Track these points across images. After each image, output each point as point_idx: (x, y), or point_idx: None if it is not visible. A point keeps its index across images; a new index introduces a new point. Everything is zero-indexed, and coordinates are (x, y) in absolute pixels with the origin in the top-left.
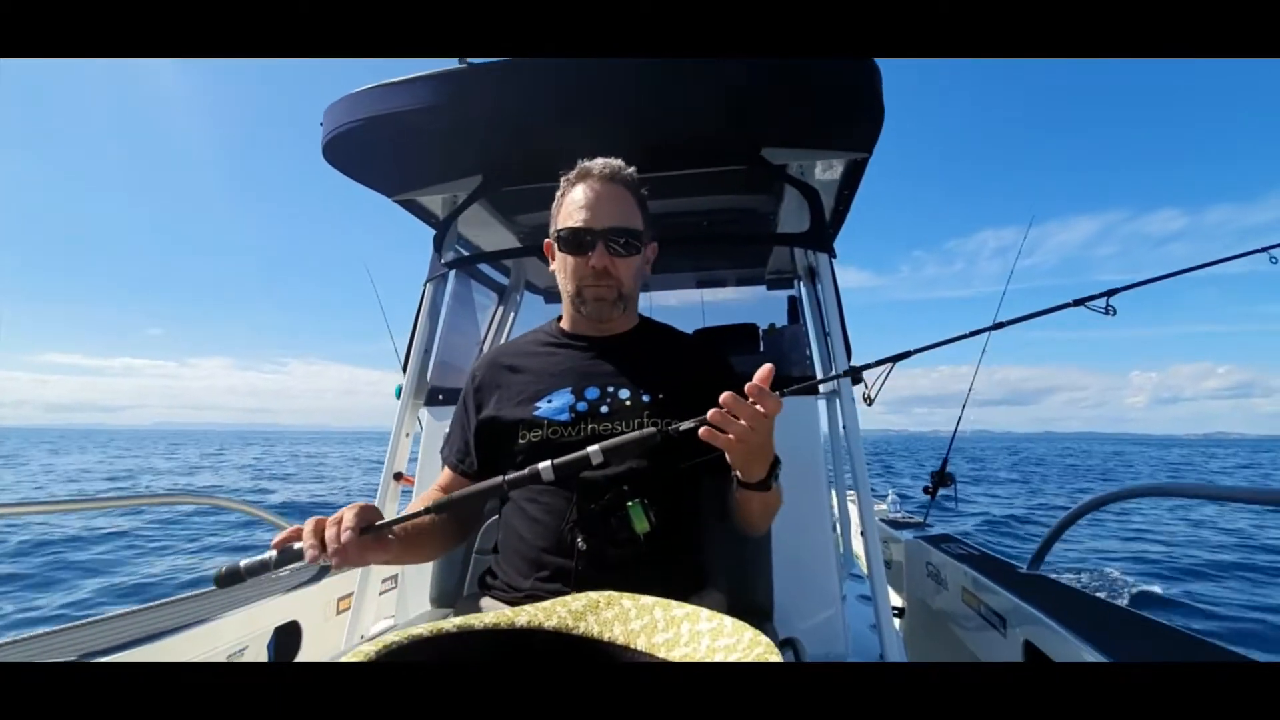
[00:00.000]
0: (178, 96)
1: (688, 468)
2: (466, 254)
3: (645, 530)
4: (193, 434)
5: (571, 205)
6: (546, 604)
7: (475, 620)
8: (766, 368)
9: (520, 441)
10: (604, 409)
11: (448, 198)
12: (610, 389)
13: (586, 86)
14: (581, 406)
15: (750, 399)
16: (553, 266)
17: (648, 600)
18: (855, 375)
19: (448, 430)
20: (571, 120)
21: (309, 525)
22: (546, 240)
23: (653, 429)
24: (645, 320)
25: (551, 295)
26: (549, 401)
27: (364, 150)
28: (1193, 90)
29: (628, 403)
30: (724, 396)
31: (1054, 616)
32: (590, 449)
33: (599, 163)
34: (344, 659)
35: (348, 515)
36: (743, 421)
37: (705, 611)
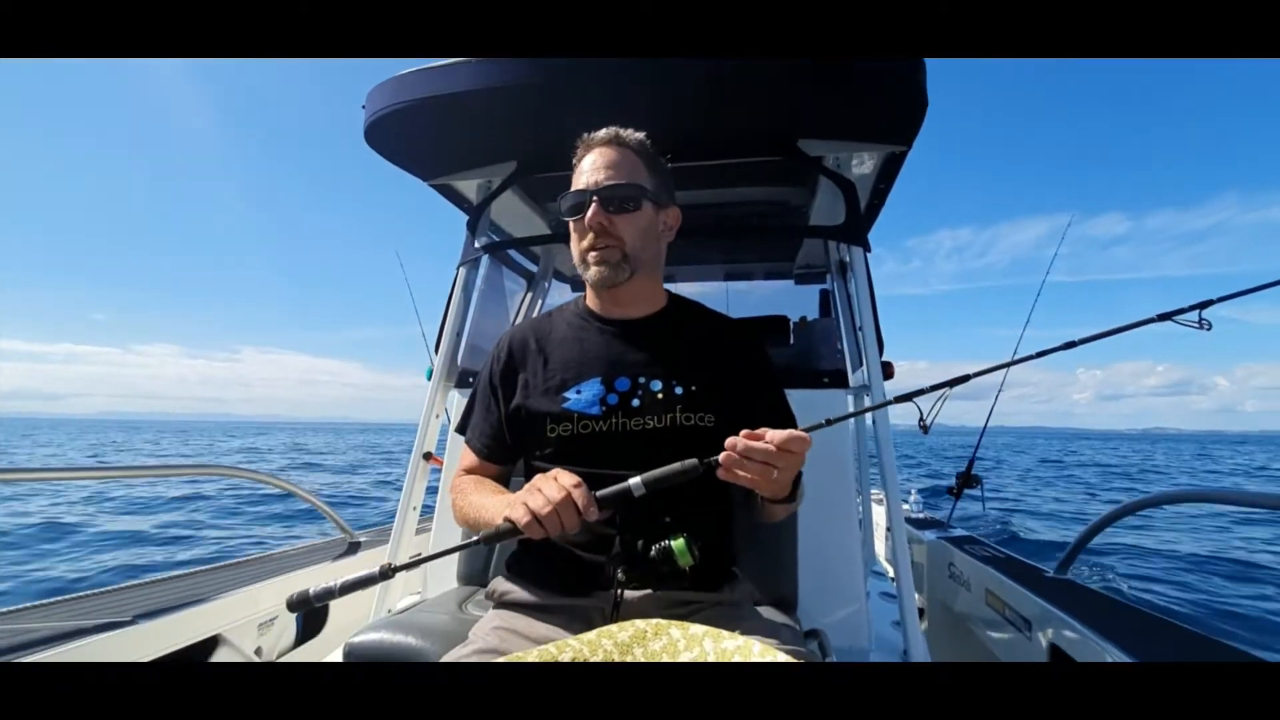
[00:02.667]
0: (125, 72)
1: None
2: (497, 240)
3: (690, 564)
4: (141, 423)
5: (578, 172)
6: (591, 636)
7: (517, 658)
8: (797, 436)
9: (549, 434)
10: (635, 402)
11: (482, 183)
12: (641, 380)
13: (625, 78)
14: (612, 399)
15: (776, 449)
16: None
17: (697, 630)
18: (906, 399)
19: (465, 406)
20: (609, 111)
21: (544, 510)
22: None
23: (694, 461)
24: (675, 298)
25: (579, 284)
26: (578, 393)
27: (406, 134)
28: (1137, 97)
29: (659, 395)
30: (738, 444)
31: (1083, 621)
32: (632, 481)
33: (601, 131)
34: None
35: (576, 492)
36: (758, 470)
37: (757, 645)
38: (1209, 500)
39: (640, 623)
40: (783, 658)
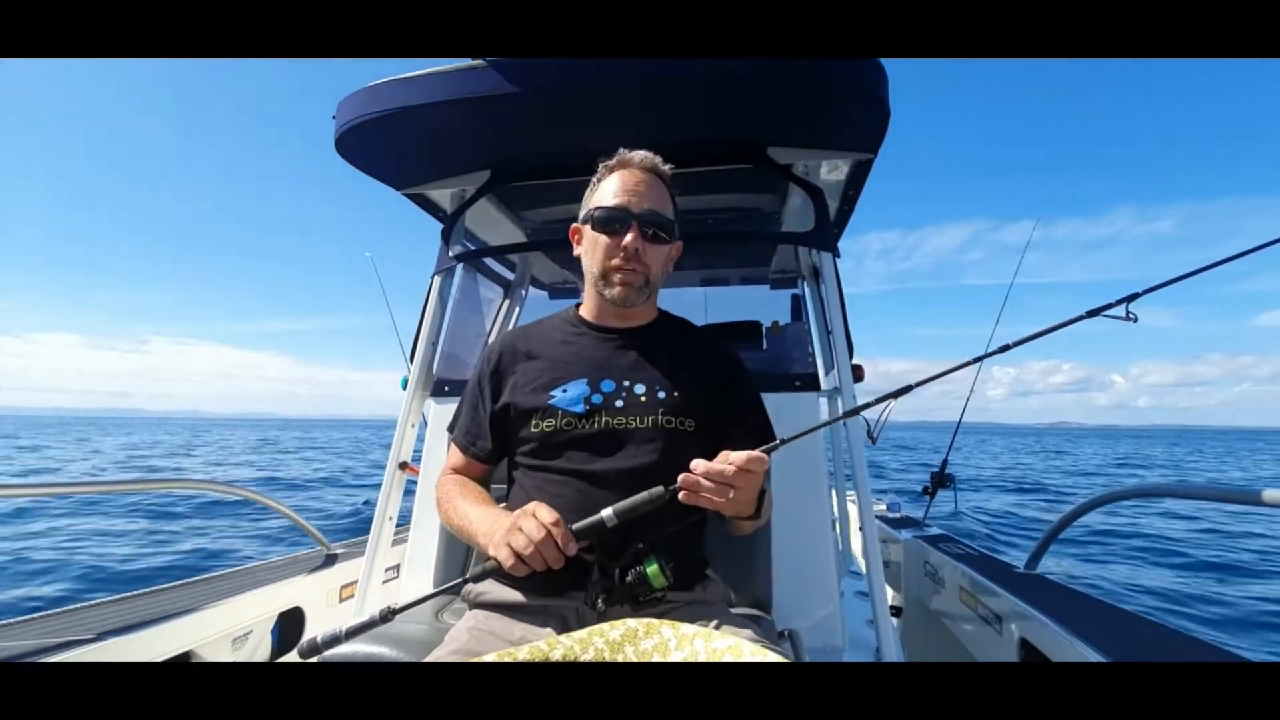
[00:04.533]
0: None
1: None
2: (473, 248)
3: (664, 586)
4: (36, 419)
5: (609, 189)
6: (582, 634)
7: (508, 656)
8: (754, 457)
9: (533, 429)
10: (618, 403)
11: (456, 192)
12: (626, 383)
13: (595, 85)
14: (596, 399)
15: (734, 470)
16: (577, 250)
17: (688, 629)
18: (853, 413)
19: (456, 408)
20: (580, 118)
21: (527, 550)
22: (574, 225)
23: (660, 489)
24: (663, 313)
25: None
26: (564, 391)
27: (376, 144)
28: (1049, 109)
29: (643, 398)
30: (696, 468)
31: (1051, 616)
32: (604, 513)
33: (639, 154)
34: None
35: (555, 530)
36: (718, 490)
37: (747, 646)
38: (1170, 495)
39: (632, 621)
40: (774, 657)
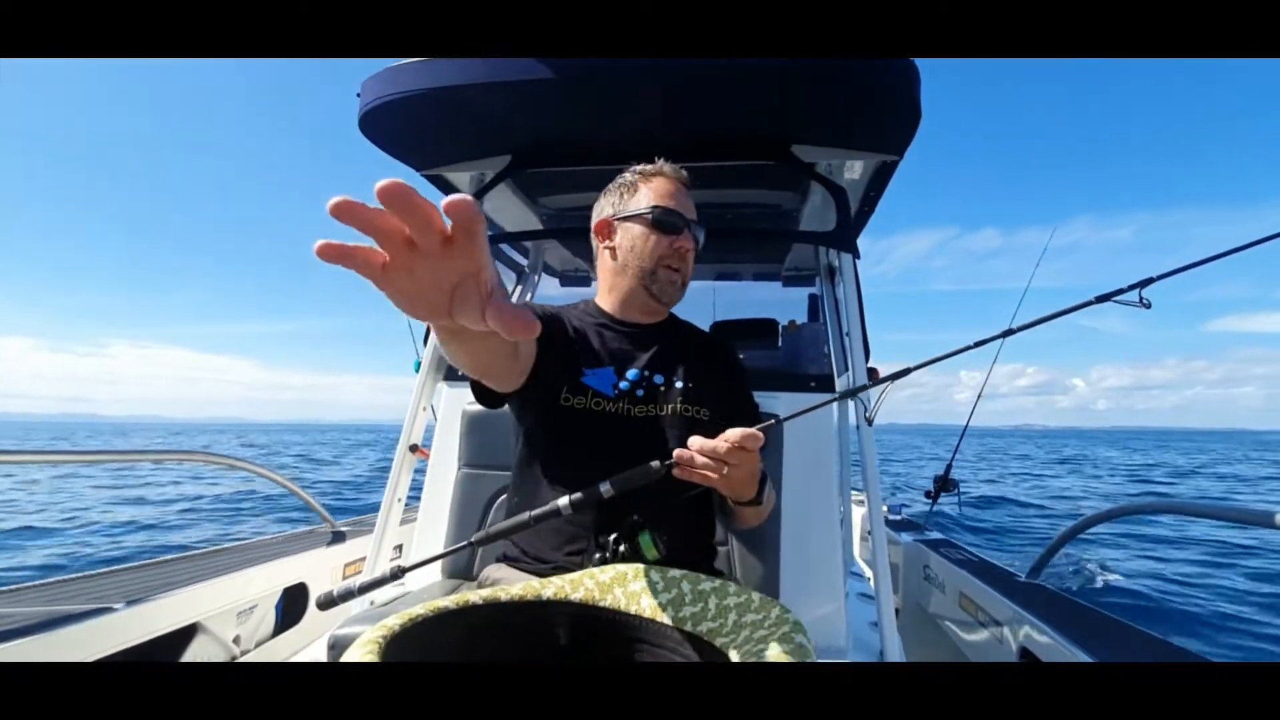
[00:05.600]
0: None
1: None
2: (491, 233)
3: (656, 558)
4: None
5: (660, 192)
6: (574, 575)
7: (501, 593)
8: (749, 434)
9: (561, 401)
10: (640, 392)
11: (475, 175)
12: (647, 373)
13: (625, 81)
14: (624, 385)
15: (727, 447)
16: (605, 245)
17: (675, 573)
18: (850, 395)
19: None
20: (606, 107)
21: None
22: (602, 219)
23: (655, 463)
24: (672, 315)
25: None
26: (594, 374)
27: (401, 124)
28: (1012, 120)
29: (662, 388)
30: (691, 443)
31: (1052, 625)
32: (601, 486)
33: (670, 167)
34: (379, 628)
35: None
36: (711, 468)
37: (732, 586)
38: (1174, 512)
39: (623, 566)
40: (756, 597)
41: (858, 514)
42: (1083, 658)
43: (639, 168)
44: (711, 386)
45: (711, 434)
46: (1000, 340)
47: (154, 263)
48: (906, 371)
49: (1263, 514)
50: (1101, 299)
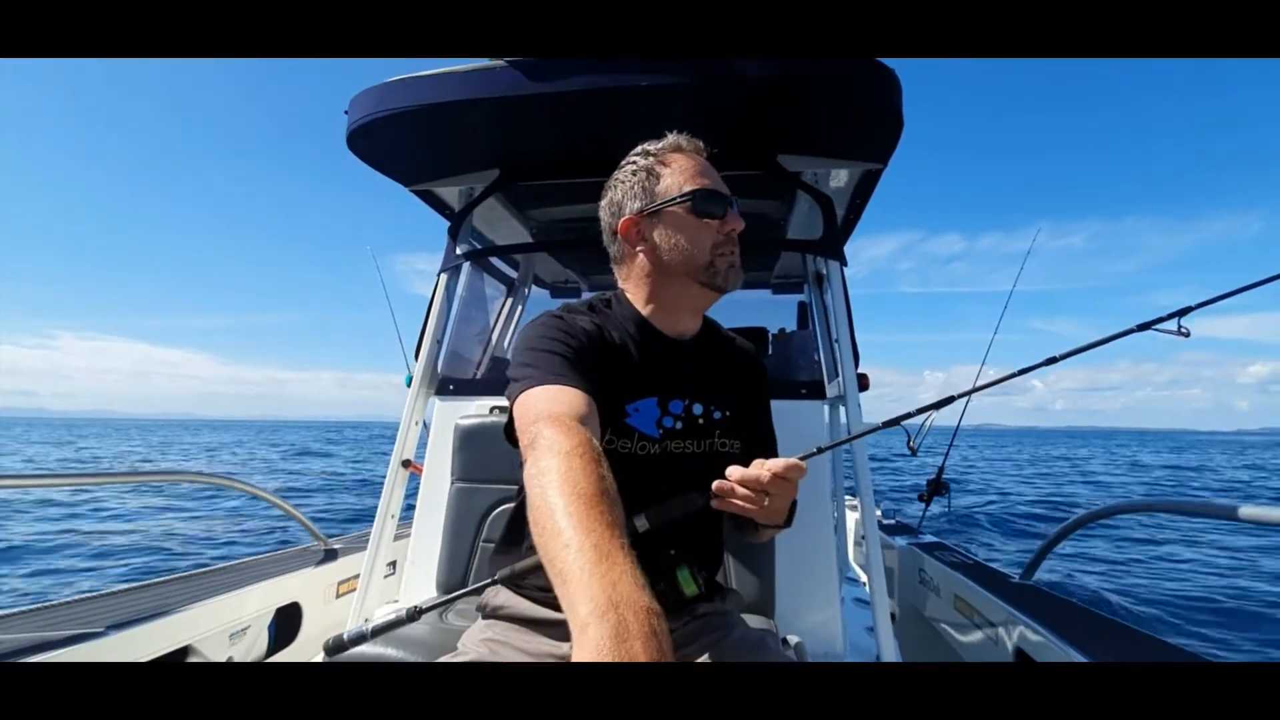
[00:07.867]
0: None
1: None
2: (479, 246)
3: (694, 594)
4: None
5: (688, 171)
6: None
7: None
8: (793, 465)
9: (605, 445)
10: (680, 425)
11: (464, 190)
12: (686, 401)
13: (606, 86)
14: (667, 422)
15: (770, 477)
16: (641, 246)
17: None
18: (894, 423)
19: (537, 356)
20: (592, 119)
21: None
22: (629, 217)
23: (694, 494)
24: (708, 321)
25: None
26: (636, 410)
27: (388, 141)
28: (975, 124)
29: (700, 420)
30: (733, 474)
31: (1046, 626)
32: (636, 519)
33: (685, 138)
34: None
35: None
36: (752, 500)
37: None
38: (1163, 510)
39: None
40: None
41: (851, 519)
42: (1077, 658)
43: (649, 147)
44: (745, 414)
45: (743, 464)
46: (1045, 368)
47: (100, 251)
48: (951, 400)
49: (1262, 512)
50: (1143, 327)
